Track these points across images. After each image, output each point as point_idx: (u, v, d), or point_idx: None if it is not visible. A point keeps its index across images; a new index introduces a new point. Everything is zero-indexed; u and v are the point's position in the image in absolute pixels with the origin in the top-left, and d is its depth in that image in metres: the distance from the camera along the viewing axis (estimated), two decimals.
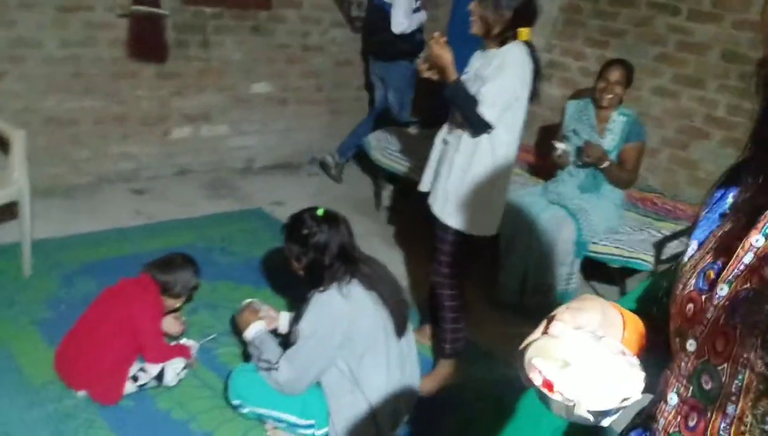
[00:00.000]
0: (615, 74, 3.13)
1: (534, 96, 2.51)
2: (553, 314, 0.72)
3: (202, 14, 4.12)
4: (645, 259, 3.06)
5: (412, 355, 2.47)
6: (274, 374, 2.22)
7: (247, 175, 4.71)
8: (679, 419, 0.69)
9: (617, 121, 3.18)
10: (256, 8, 4.35)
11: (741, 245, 0.66)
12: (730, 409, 0.62)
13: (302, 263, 2.29)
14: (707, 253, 0.72)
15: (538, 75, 2.47)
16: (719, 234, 0.72)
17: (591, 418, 0.62)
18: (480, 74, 2.44)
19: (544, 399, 0.64)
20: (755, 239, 0.65)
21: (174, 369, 2.40)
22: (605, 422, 0.63)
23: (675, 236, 3.13)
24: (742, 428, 0.60)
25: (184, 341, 2.61)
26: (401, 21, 4.17)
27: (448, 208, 2.60)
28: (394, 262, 3.76)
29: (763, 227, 0.65)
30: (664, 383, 0.75)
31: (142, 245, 3.45)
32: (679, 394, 0.70)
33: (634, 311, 0.85)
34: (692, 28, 3.73)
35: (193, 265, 2.62)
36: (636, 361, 0.68)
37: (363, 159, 4.69)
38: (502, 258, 3.38)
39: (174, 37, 4.03)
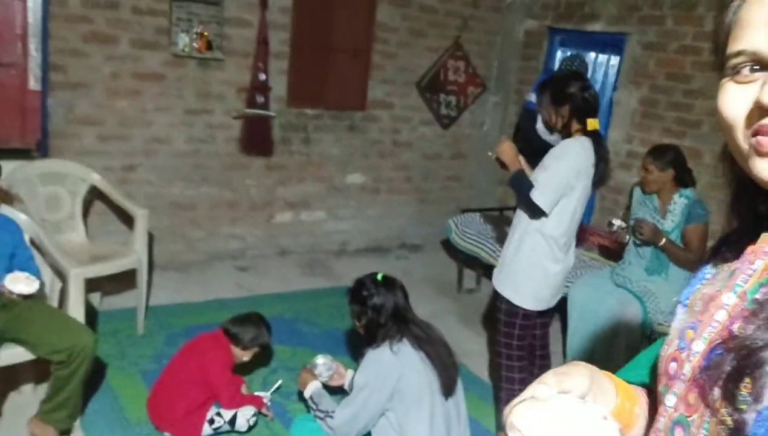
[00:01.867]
0: (647, 163, 3.25)
1: (599, 182, 2.74)
2: (540, 377, 0.74)
3: (304, 115, 4.72)
4: None
5: (461, 417, 2.61)
6: (329, 420, 2.47)
7: (341, 257, 5.11)
8: None
9: (678, 203, 3.25)
10: (352, 110, 4.91)
11: (714, 303, 0.70)
12: None
13: (362, 321, 2.57)
14: (689, 314, 0.75)
15: (602, 163, 2.70)
16: (699, 296, 0.76)
17: None
18: (543, 164, 2.72)
19: None
20: (727, 296, 0.69)
21: (245, 415, 2.71)
22: None
23: None
24: None
25: (257, 393, 2.92)
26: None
27: (500, 277, 2.82)
28: (468, 341, 3.93)
29: (733, 286, 0.69)
30: None
31: (238, 313, 3.87)
32: None
33: (632, 381, 0.88)
34: None
35: (263, 324, 2.95)
36: (617, 426, 0.68)
37: (448, 242, 4.96)
38: (569, 339, 3.45)
39: (279, 134, 4.64)
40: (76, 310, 2.90)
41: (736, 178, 0.74)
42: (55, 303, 2.98)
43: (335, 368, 2.83)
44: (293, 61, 4.56)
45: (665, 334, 2.83)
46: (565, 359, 3.48)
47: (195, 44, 4.17)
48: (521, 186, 2.67)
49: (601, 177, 2.73)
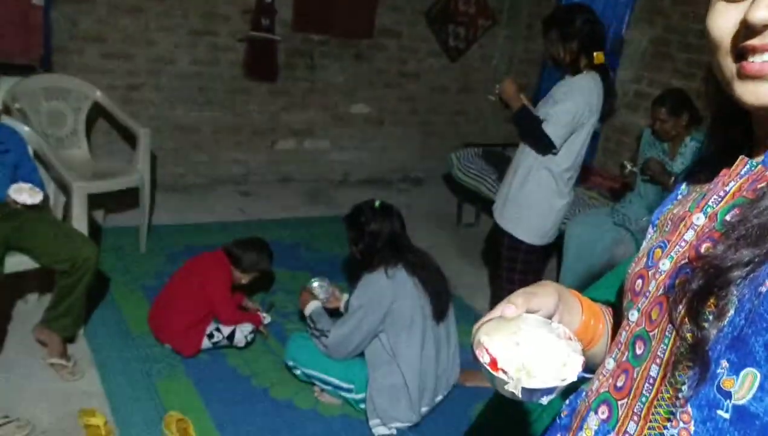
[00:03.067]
0: (658, 112, 3.22)
1: (606, 116, 2.73)
2: (509, 297, 0.76)
3: (309, 41, 4.64)
4: None
5: (451, 341, 2.70)
6: (324, 339, 2.55)
7: (343, 187, 5.14)
8: (611, 380, 0.73)
9: (689, 146, 3.24)
10: (359, 37, 4.82)
11: (684, 223, 0.71)
12: (653, 371, 0.66)
13: (359, 246, 2.62)
14: (659, 234, 0.77)
15: (609, 96, 2.69)
16: (668, 216, 0.77)
17: (530, 396, 0.66)
18: (551, 96, 2.70)
19: (490, 377, 0.68)
20: (697, 217, 0.70)
21: (242, 332, 2.80)
22: (543, 400, 0.67)
23: None
24: (662, 388, 0.65)
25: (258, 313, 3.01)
26: None
27: (505, 214, 2.85)
28: (465, 274, 4.00)
29: (704, 207, 0.70)
30: (606, 352, 0.80)
31: (238, 236, 3.92)
32: (615, 359, 0.75)
33: (598, 299, 0.90)
34: None
35: (266, 250, 3.00)
36: (579, 346, 0.71)
37: (450, 177, 4.97)
38: (562, 276, 3.50)
39: (284, 59, 4.58)
40: (79, 223, 2.95)
41: (717, 102, 0.73)
42: (59, 217, 3.03)
43: (331, 291, 2.90)
44: None
45: None
46: None
47: None
48: (530, 121, 2.66)
49: (608, 111, 2.72)
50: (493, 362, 0.68)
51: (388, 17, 4.88)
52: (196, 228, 4.04)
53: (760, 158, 0.67)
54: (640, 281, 0.74)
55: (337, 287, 2.94)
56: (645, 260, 0.75)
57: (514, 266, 2.87)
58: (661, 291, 0.69)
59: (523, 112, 2.69)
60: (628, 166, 3.38)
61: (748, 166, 0.68)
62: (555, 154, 2.68)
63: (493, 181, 4.27)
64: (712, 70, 0.68)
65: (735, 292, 0.58)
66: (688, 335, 0.61)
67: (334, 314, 2.81)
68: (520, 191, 2.79)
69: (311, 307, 2.74)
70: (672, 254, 0.70)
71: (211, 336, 2.77)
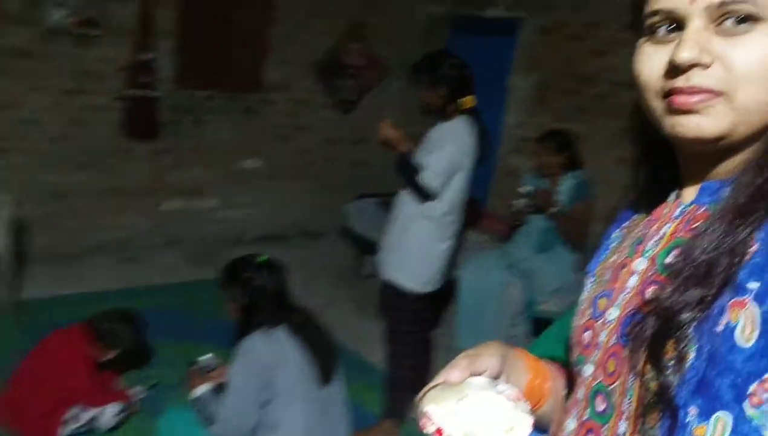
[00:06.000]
0: (543, 147, 3.30)
1: (482, 158, 2.72)
2: (452, 361, 0.73)
3: (194, 96, 4.48)
4: None
5: (338, 405, 2.53)
6: (213, 427, 2.32)
7: (236, 247, 4.89)
8: None
9: (566, 184, 3.30)
10: (247, 91, 4.71)
11: (625, 270, 0.71)
12: (621, 427, 0.64)
13: (238, 303, 2.43)
14: (598, 284, 0.76)
15: (483, 139, 2.68)
16: (606, 265, 0.77)
17: None
18: (427, 147, 2.66)
19: None
20: (637, 262, 0.70)
21: (110, 412, 2.52)
22: None
23: None
24: None
25: (131, 388, 2.74)
26: None
27: (388, 263, 2.76)
28: (364, 328, 3.85)
29: (643, 251, 0.70)
30: (563, 414, 0.78)
31: (117, 306, 3.64)
32: (576, 418, 0.72)
33: (544, 355, 0.88)
34: None
35: (130, 320, 2.75)
36: (527, 407, 0.69)
37: (348, 229, 4.86)
38: (459, 321, 3.43)
39: (168, 117, 4.39)
40: None
41: (644, 139, 0.75)
42: None
43: (219, 366, 2.67)
44: (184, 40, 4.32)
45: (548, 312, 2.81)
46: (455, 341, 3.46)
47: (70, 19, 3.87)
48: (408, 169, 2.60)
49: (484, 154, 2.71)
50: (438, 432, 0.65)
51: (276, 71, 4.81)
52: (71, 301, 3.70)
53: (691, 198, 0.69)
54: (588, 333, 0.74)
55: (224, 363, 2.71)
56: (590, 310, 0.75)
57: (400, 316, 2.75)
58: (613, 341, 0.68)
59: (405, 158, 2.63)
60: (521, 200, 3.36)
61: (680, 208, 0.69)
62: (435, 200, 2.63)
63: None
64: (640, 108, 0.69)
65: (692, 333, 0.58)
66: (652, 384, 0.60)
67: None
68: (402, 239, 2.73)
69: (198, 392, 2.50)
70: (618, 301, 0.70)
71: (72, 420, 2.48)
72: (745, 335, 0.54)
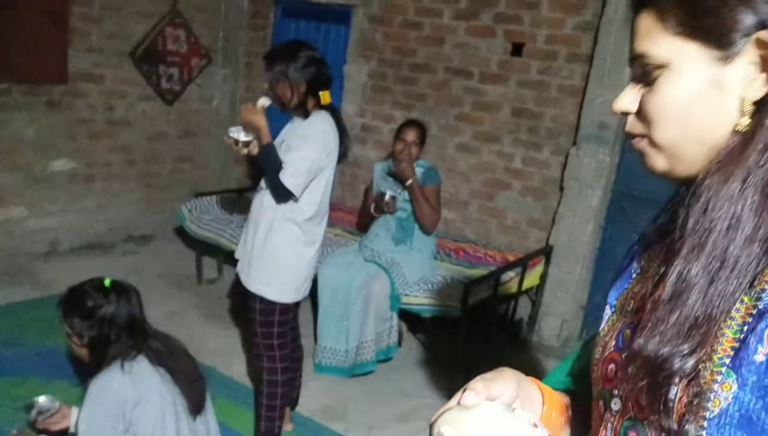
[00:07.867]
0: (410, 135, 3.27)
1: (342, 156, 2.56)
2: (467, 384, 0.71)
3: None
4: (453, 305, 3.13)
5: (212, 434, 2.28)
6: None
7: (50, 260, 4.30)
8: None
9: (417, 171, 3.31)
10: (49, 82, 4.10)
11: (651, 300, 0.68)
12: None
13: (85, 339, 2.06)
14: (622, 314, 0.74)
15: (343, 137, 2.53)
16: (629, 296, 0.75)
17: None
18: (288, 144, 2.44)
19: None
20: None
21: None
22: None
23: (481, 280, 3.23)
24: None
25: None
26: None
27: (252, 275, 2.53)
28: (215, 338, 3.57)
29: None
30: None
31: None
32: None
33: (557, 387, 0.85)
34: (484, 90, 4.03)
35: None
36: (547, 433, 0.67)
37: (182, 230, 4.48)
38: (320, 321, 3.30)
39: None
40: None
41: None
42: None
43: (57, 407, 2.26)
44: None
45: (411, 304, 2.76)
46: (316, 341, 3.32)
47: None
48: (272, 164, 2.37)
49: (344, 151, 2.59)
50: None
51: (83, 59, 4.24)
52: None
53: None
54: (613, 366, 0.71)
55: (64, 404, 2.31)
56: (613, 343, 0.73)
57: (270, 330, 2.55)
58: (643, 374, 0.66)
59: (270, 150, 2.39)
60: (388, 193, 3.29)
61: None
62: (296, 202, 2.45)
63: (233, 230, 3.92)
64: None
65: (723, 368, 0.57)
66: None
67: None
68: (265, 247, 2.49)
69: None
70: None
71: None
72: None
